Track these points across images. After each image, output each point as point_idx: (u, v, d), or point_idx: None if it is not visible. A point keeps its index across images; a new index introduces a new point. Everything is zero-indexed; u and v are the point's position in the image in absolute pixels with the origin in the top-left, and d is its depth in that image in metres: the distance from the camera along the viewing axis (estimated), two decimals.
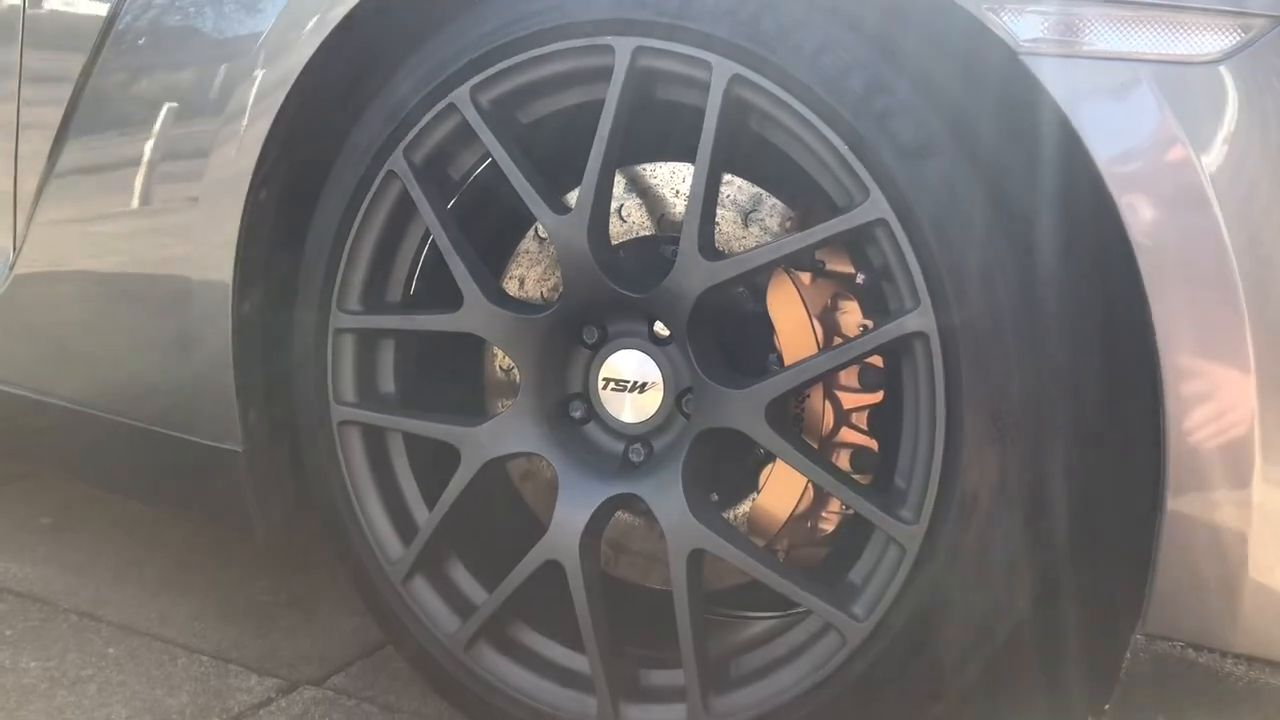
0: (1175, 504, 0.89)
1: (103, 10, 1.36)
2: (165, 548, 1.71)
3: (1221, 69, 0.86)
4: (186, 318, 1.29)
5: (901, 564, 0.98)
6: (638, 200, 1.22)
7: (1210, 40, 0.86)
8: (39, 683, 1.31)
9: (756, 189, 1.17)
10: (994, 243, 0.94)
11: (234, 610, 1.53)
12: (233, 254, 1.23)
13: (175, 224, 1.30)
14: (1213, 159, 0.86)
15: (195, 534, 1.74)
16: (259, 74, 1.20)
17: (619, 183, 1.21)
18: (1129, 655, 0.93)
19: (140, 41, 1.34)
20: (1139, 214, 0.87)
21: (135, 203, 1.34)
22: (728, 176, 1.16)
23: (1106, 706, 0.95)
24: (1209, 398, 0.88)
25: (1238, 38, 0.85)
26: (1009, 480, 0.95)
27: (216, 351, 1.27)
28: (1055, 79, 0.89)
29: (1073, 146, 0.89)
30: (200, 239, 1.27)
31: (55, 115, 1.40)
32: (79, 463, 1.53)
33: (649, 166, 1.22)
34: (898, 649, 0.99)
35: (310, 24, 1.16)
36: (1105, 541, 1.01)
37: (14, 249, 1.45)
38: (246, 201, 1.22)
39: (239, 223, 1.22)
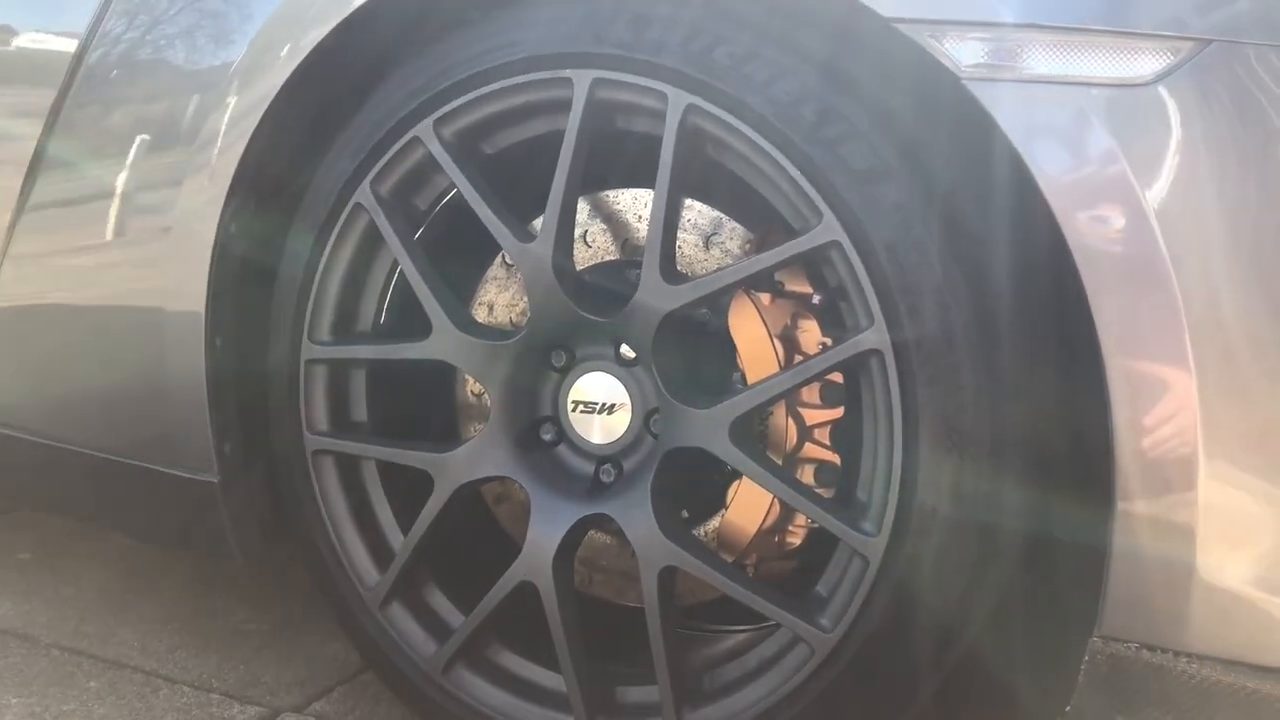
0: (1124, 507, 0.92)
1: (71, 46, 1.38)
2: (145, 579, 1.72)
3: (1154, 90, 0.89)
4: (160, 349, 1.30)
5: (865, 576, 1.01)
6: (602, 225, 1.25)
7: (1143, 63, 0.89)
8: (21, 719, 1.32)
9: (717, 213, 1.20)
10: (945, 262, 0.97)
11: (215, 639, 1.54)
12: (205, 285, 1.25)
13: (148, 255, 1.32)
14: (1148, 174, 0.89)
15: (175, 565, 1.75)
16: (231, 101, 1.22)
17: (583, 209, 1.24)
18: (1087, 658, 0.95)
19: (111, 74, 1.36)
20: (1080, 229, 0.91)
21: (108, 234, 1.36)
22: (689, 201, 1.19)
23: (1068, 709, 0.98)
24: (1153, 403, 0.91)
25: (1169, 60, 0.89)
26: (966, 491, 0.98)
27: (190, 383, 1.28)
28: (996, 102, 0.92)
29: (1019, 167, 0.92)
30: (172, 270, 1.28)
31: (27, 150, 1.41)
32: (56, 497, 1.54)
33: (612, 192, 1.24)
34: (864, 658, 1.02)
35: (283, 52, 1.18)
36: (1063, 547, 1.04)
37: None
38: (218, 231, 1.24)
39: (210, 253, 1.24)
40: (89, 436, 1.42)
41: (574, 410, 1.16)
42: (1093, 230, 0.91)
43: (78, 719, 1.33)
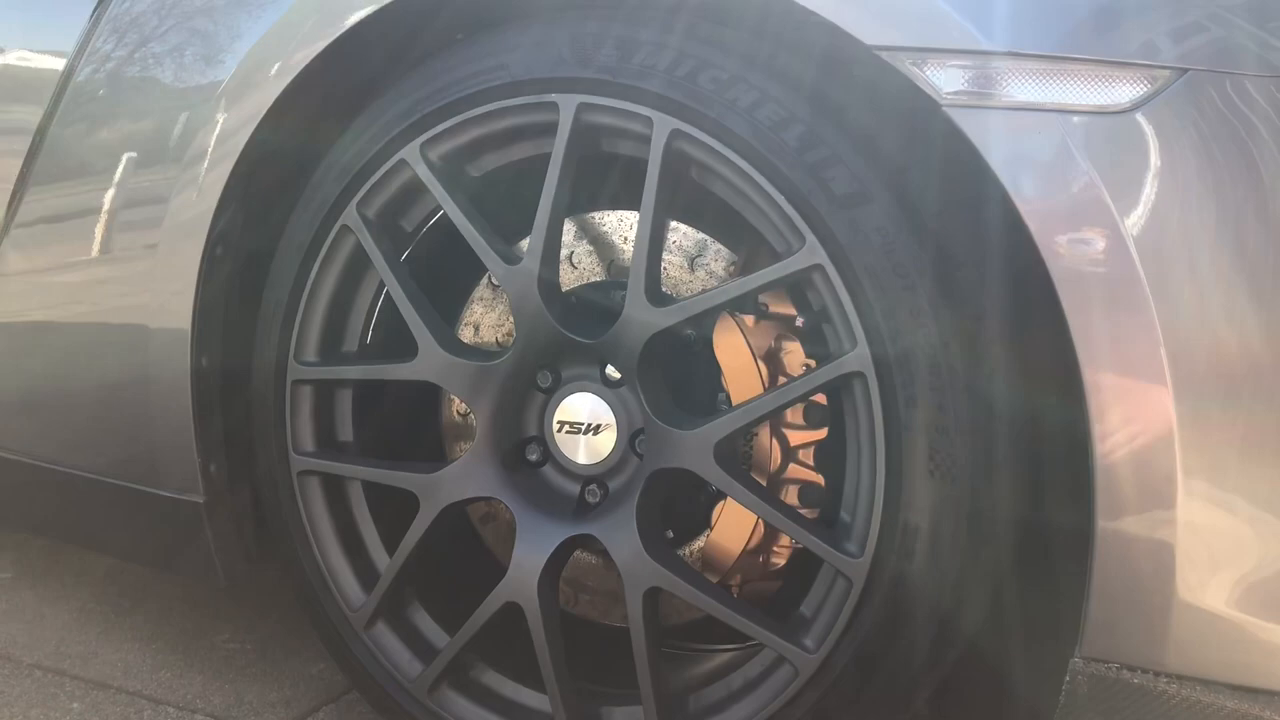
0: (1104, 526, 0.93)
1: (59, 64, 1.39)
2: (129, 599, 1.71)
3: (1132, 117, 0.91)
4: (146, 368, 1.30)
5: (849, 596, 1.01)
6: (588, 247, 1.26)
7: (1121, 91, 0.91)
8: None
9: (702, 235, 1.21)
10: (927, 285, 0.98)
11: (199, 660, 1.53)
12: (191, 303, 1.25)
13: (134, 272, 1.32)
14: (1125, 199, 0.91)
15: (158, 585, 1.74)
16: (220, 119, 1.23)
17: (569, 230, 1.24)
18: (1068, 678, 0.96)
19: (100, 92, 1.37)
20: (1058, 252, 0.92)
21: (95, 251, 1.36)
22: (674, 223, 1.20)
23: None
24: (1132, 423, 0.92)
25: (1145, 88, 0.91)
26: (948, 512, 0.99)
27: (176, 402, 1.28)
28: (977, 129, 0.93)
29: (999, 192, 0.94)
30: (158, 288, 1.28)
31: (14, 167, 1.41)
32: (38, 517, 1.54)
33: (598, 214, 1.25)
34: (848, 678, 1.02)
35: (272, 71, 1.19)
36: (1046, 567, 1.05)
37: None
38: (205, 248, 1.24)
39: (197, 270, 1.24)
40: (73, 456, 1.42)
41: (559, 431, 1.17)
42: (1071, 253, 0.92)
43: None
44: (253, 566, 1.34)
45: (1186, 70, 0.90)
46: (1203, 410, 0.91)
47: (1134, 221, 0.91)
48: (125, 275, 1.34)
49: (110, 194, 1.34)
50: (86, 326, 1.38)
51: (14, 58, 1.49)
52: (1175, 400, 0.90)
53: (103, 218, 1.35)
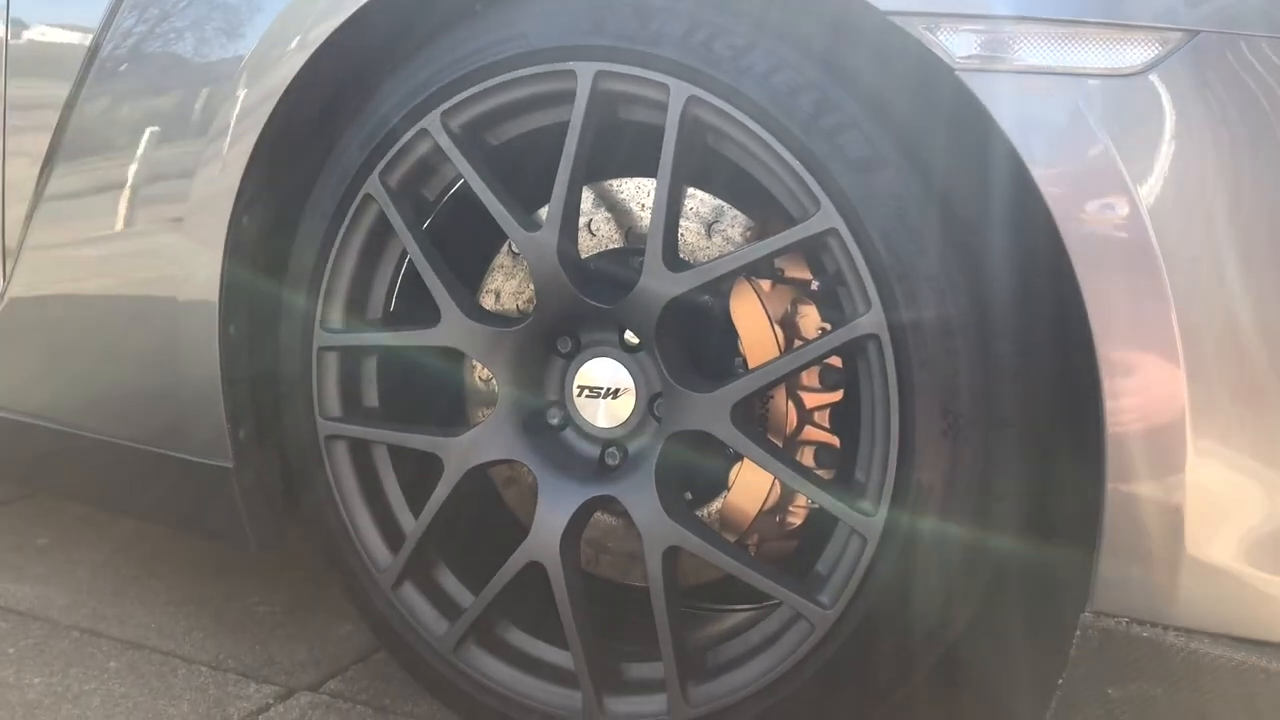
0: (1115, 485, 0.95)
1: (86, 40, 1.41)
2: (161, 563, 1.76)
3: (1145, 79, 0.91)
4: (175, 338, 1.33)
5: (863, 554, 1.03)
6: (606, 214, 1.28)
7: (1131, 53, 0.92)
8: (43, 698, 1.36)
9: (718, 201, 1.22)
10: (941, 248, 0.99)
11: (231, 621, 1.57)
12: (218, 274, 1.28)
13: (161, 245, 1.34)
14: (1138, 163, 0.92)
15: (190, 548, 1.79)
16: (242, 93, 1.25)
17: (588, 198, 1.26)
18: (1078, 632, 0.98)
19: (123, 68, 1.39)
20: (1071, 216, 0.93)
21: (122, 225, 1.38)
22: (690, 190, 1.22)
23: (1060, 682, 1.00)
24: (1142, 384, 0.93)
25: (1157, 50, 0.91)
26: (962, 471, 1.00)
27: (205, 371, 1.31)
28: (989, 93, 0.94)
29: (1013, 156, 0.95)
30: (186, 260, 1.31)
31: (42, 142, 1.44)
32: (73, 483, 1.58)
33: (616, 182, 1.27)
34: (863, 634, 1.05)
35: (292, 45, 1.21)
36: (1057, 526, 1.07)
37: (4, 275, 1.49)
38: (230, 221, 1.26)
39: (223, 242, 1.27)
40: (105, 423, 1.45)
41: (579, 395, 1.19)
42: (1083, 217, 0.93)
43: (99, 698, 1.36)
44: (281, 530, 1.37)
45: (1198, 32, 0.90)
46: (1213, 372, 0.92)
47: (1146, 184, 0.92)
48: (153, 248, 1.36)
49: (136, 168, 1.36)
50: (116, 299, 1.41)
51: (41, 33, 1.52)
52: (1186, 363, 0.91)
53: (129, 191, 1.38)
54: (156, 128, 1.36)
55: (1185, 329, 0.91)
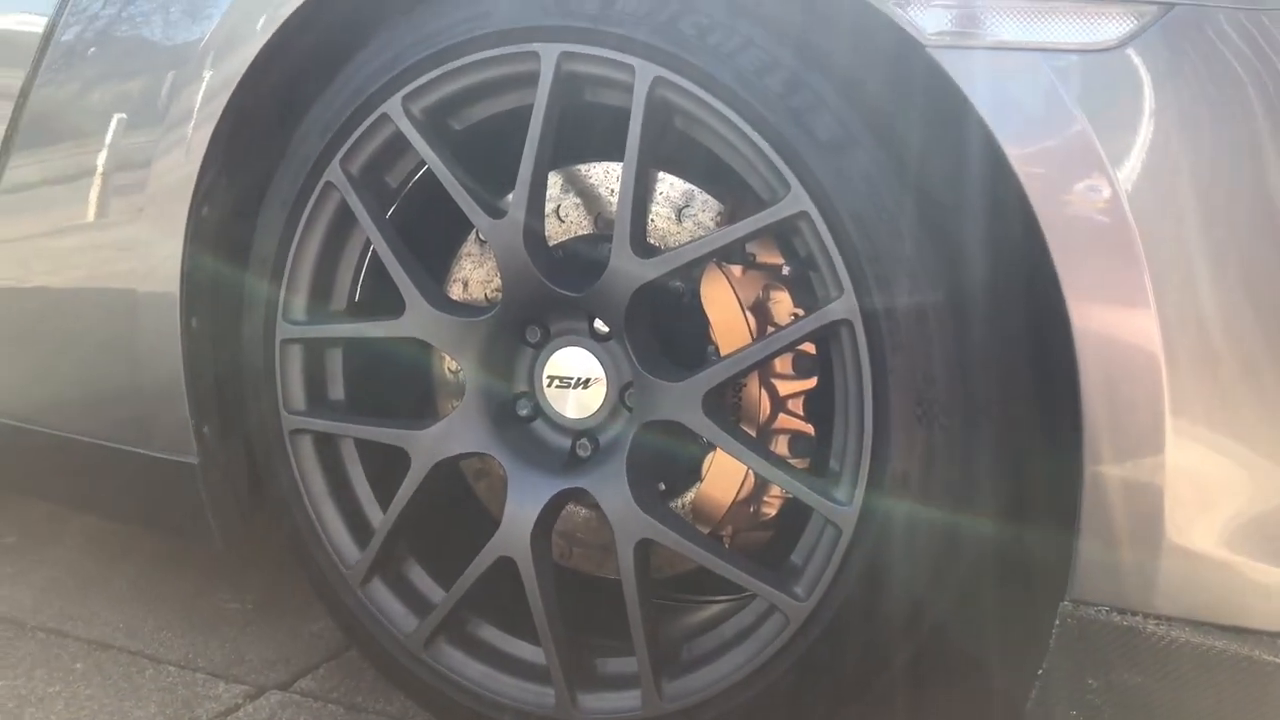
0: (1093, 471, 0.93)
1: (40, 24, 1.37)
2: (129, 561, 1.72)
3: (1118, 54, 0.89)
4: (136, 332, 1.30)
5: (838, 545, 1.01)
6: (575, 200, 1.25)
7: (1106, 28, 0.89)
8: (6, 701, 1.33)
9: (689, 185, 1.20)
10: (914, 231, 0.97)
11: (199, 619, 1.55)
12: (178, 265, 1.25)
13: (122, 237, 1.31)
14: (1114, 140, 0.89)
15: (158, 546, 1.76)
16: (205, 77, 1.22)
17: (556, 183, 1.23)
18: (1058, 622, 0.96)
19: (80, 52, 1.35)
20: (1045, 196, 0.91)
21: (82, 216, 1.35)
22: (660, 174, 1.19)
23: (1040, 671, 0.99)
24: (1120, 367, 0.91)
25: (1132, 24, 0.89)
26: (938, 459, 0.98)
27: (167, 365, 1.28)
28: (962, 70, 0.92)
29: (986, 135, 0.92)
30: (146, 251, 1.28)
31: None
32: (33, 480, 1.54)
33: (584, 167, 1.24)
34: (838, 626, 1.03)
35: (257, 25, 1.18)
36: (1035, 514, 1.05)
37: None
38: (190, 210, 1.23)
39: (184, 233, 1.24)
40: (68, 419, 1.42)
41: (549, 385, 1.17)
42: (1058, 197, 0.91)
43: (63, 700, 1.33)
44: (248, 527, 1.34)
45: (1174, 5, 0.88)
46: (1192, 355, 0.90)
47: (1122, 163, 0.89)
48: (114, 240, 1.33)
49: (95, 157, 1.33)
50: (76, 291, 1.38)
51: None
52: (1164, 343, 0.90)
53: (88, 181, 1.34)
54: (119, 115, 1.32)
55: (1163, 310, 0.89)
